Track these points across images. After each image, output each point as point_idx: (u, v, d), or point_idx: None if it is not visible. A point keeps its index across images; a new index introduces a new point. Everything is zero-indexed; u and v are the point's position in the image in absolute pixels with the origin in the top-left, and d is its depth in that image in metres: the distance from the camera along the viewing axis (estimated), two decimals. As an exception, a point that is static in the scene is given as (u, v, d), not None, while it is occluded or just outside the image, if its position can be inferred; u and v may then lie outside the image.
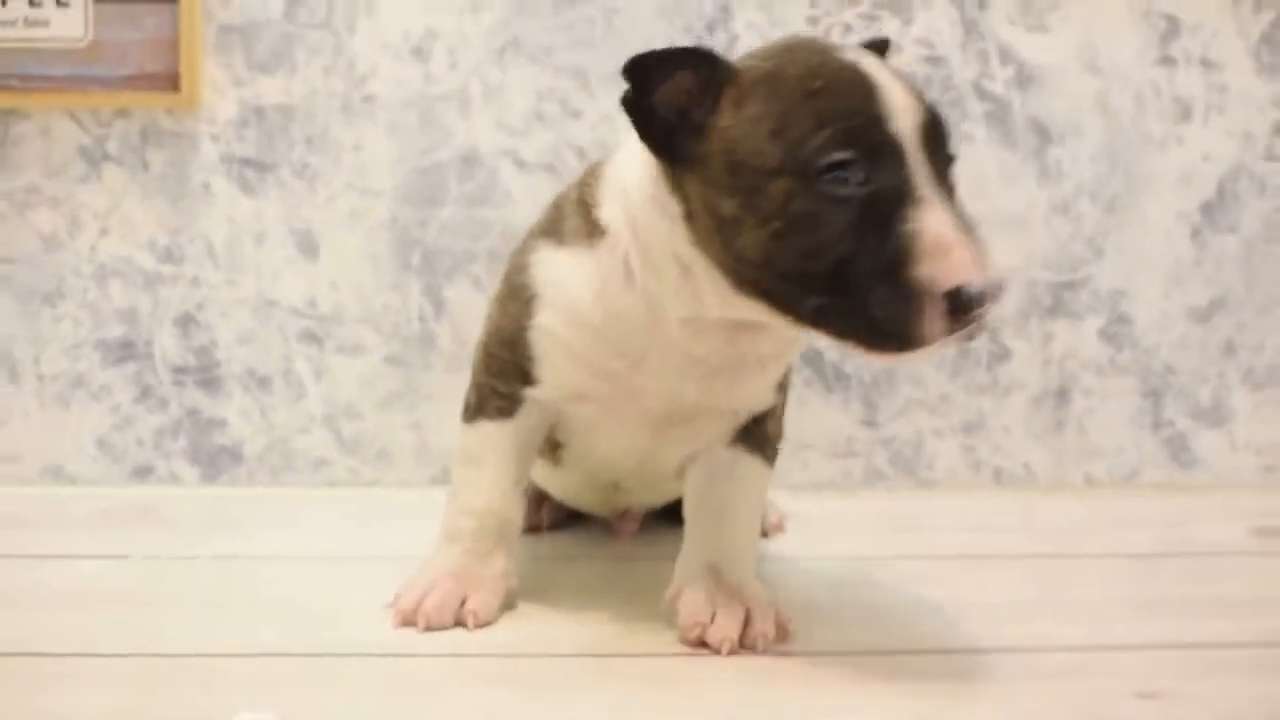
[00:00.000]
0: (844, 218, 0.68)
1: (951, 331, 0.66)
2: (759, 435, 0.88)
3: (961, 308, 0.65)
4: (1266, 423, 1.29)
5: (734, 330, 0.76)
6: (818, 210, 0.69)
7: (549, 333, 0.83)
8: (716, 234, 0.74)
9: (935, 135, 0.71)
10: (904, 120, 0.69)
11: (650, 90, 0.74)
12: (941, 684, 0.73)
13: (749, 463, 0.88)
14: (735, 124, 0.73)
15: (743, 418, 0.87)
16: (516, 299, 0.85)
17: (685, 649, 0.78)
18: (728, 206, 0.72)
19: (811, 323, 0.71)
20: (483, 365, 0.88)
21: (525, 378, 0.85)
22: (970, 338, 0.68)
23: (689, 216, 0.75)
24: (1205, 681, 0.74)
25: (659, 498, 1.04)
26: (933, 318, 0.65)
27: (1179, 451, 1.29)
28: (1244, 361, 1.28)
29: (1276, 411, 1.29)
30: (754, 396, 0.86)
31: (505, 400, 0.87)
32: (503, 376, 0.86)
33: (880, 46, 0.81)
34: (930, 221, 0.66)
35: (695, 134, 0.74)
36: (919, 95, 0.72)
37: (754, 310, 0.74)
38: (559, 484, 1.03)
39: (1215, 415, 1.29)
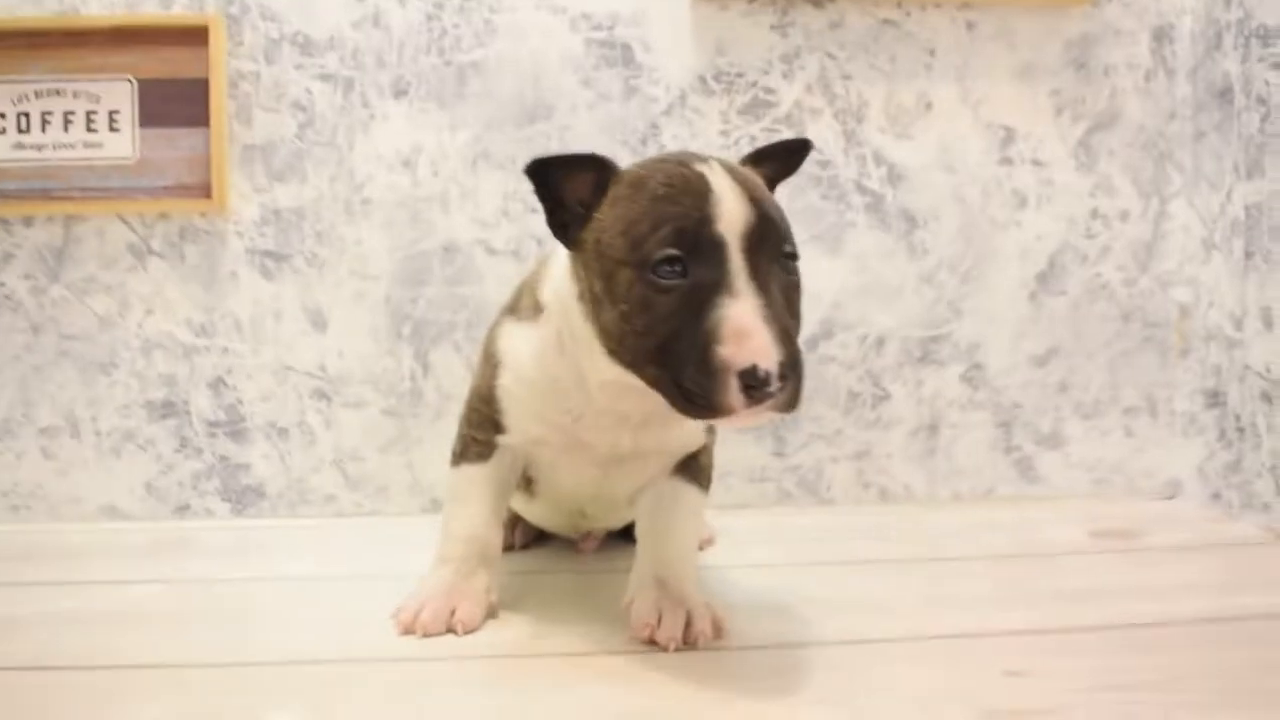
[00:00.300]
0: (670, 304, 0.74)
1: (750, 404, 0.71)
2: (694, 468, 0.95)
3: (754, 385, 0.70)
4: (1094, 445, 1.43)
5: (645, 390, 0.78)
6: (650, 297, 0.75)
7: (508, 391, 0.90)
8: (592, 310, 0.80)
9: (762, 236, 0.75)
10: (729, 223, 0.74)
11: (549, 185, 0.81)
12: (850, 671, 0.79)
13: (687, 490, 0.94)
14: (605, 218, 0.79)
15: (678, 455, 0.94)
16: (488, 363, 0.94)
17: (639, 647, 0.84)
18: (597, 287, 0.79)
19: (653, 387, 0.77)
20: (465, 418, 0.96)
21: (497, 427, 0.92)
22: (785, 409, 0.72)
23: (581, 295, 0.81)
24: (1062, 660, 0.80)
25: (617, 521, 1.10)
26: (731, 391, 0.70)
27: (1026, 470, 1.42)
28: (1074, 397, 1.42)
29: (1102, 436, 1.43)
30: (682, 440, 0.92)
31: (483, 446, 0.94)
32: (480, 427, 0.94)
33: (796, 147, 0.88)
34: (734, 310, 0.72)
35: (585, 224, 0.81)
36: (755, 201, 0.76)
37: (626, 375, 0.79)
38: (534, 512, 1.08)
39: (1054, 440, 1.42)
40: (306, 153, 1.36)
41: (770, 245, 0.76)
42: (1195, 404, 1.42)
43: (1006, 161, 1.42)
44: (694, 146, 1.36)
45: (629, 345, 0.77)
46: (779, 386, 0.71)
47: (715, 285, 0.73)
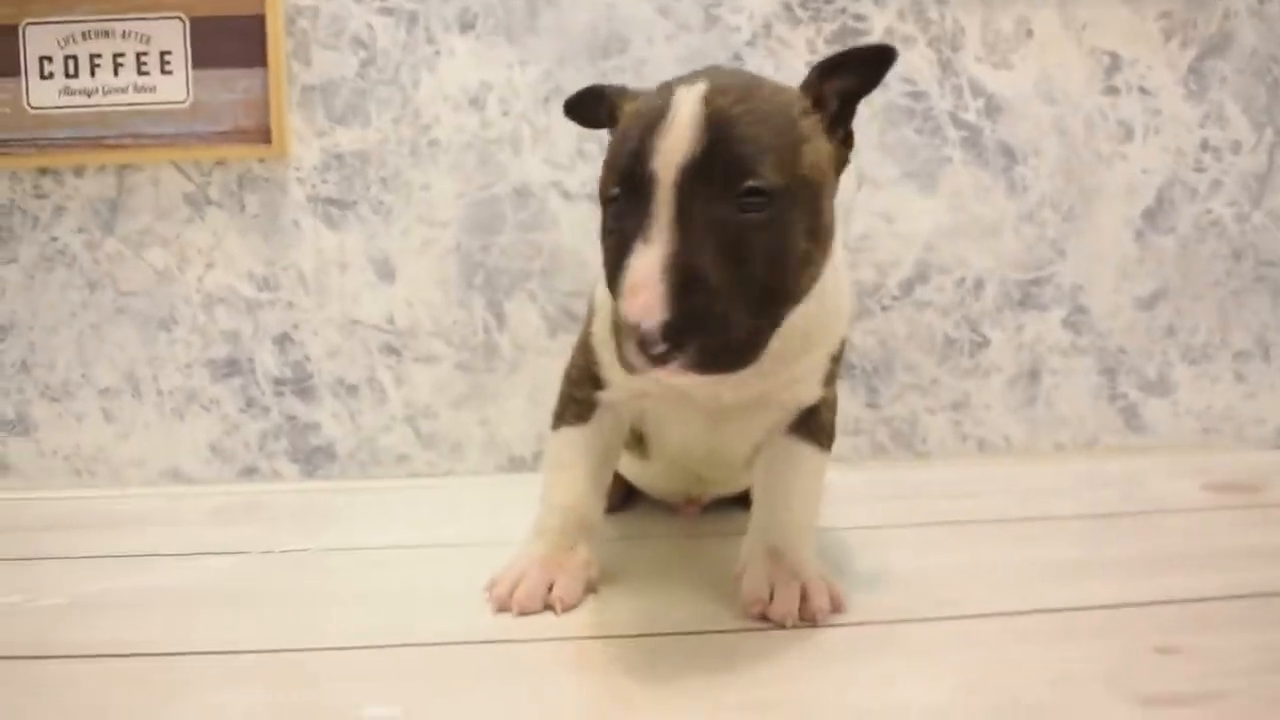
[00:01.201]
0: (610, 247, 0.71)
1: (652, 364, 0.65)
2: (812, 425, 0.88)
3: (643, 345, 0.65)
4: (1203, 392, 1.37)
5: None
6: (604, 239, 0.73)
7: (602, 340, 0.85)
8: None
9: (707, 170, 0.67)
10: (665, 157, 0.68)
11: (585, 121, 0.83)
12: (982, 649, 0.73)
13: (804, 450, 0.87)
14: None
15: (792, 409, 0.87)
16: (588, 311, 0.90)
17: (752, 624, 0.79)
18: None
19: None
20: (566, 374, 0.91)
21: (596, 382, 0.87)
22: (701, 370, 0.66)
23: None
24: (1214, 636, 0.74)
25: (735, 485, 1.04)
26: (629, 348, 0.66)
27: (1131, 419, 1.36)
28: (1182, 341, 1.36)
29: (1211, 383, 1.37)
30: (795, 392, 0.85)
31: (582, 406, 0.89)
32: (579, 384, 0.89)
33: (874, 57, 0.76)
34: (636, 260, 0.66)
35: None
36: (712, 129, 0.68)
37: None
38: (647, 476, 1.03)
39: (1161, 387, 1.36)
40: (369, 92, 1.29)
41: (719, 180, 0.68)
42: (1310, 346, 1.36)
43: (1111, 91, 1.34)
44: (778, 77, 1.29)
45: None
46: (665, 348, 0.65)
47: (637, 229, 0.68)
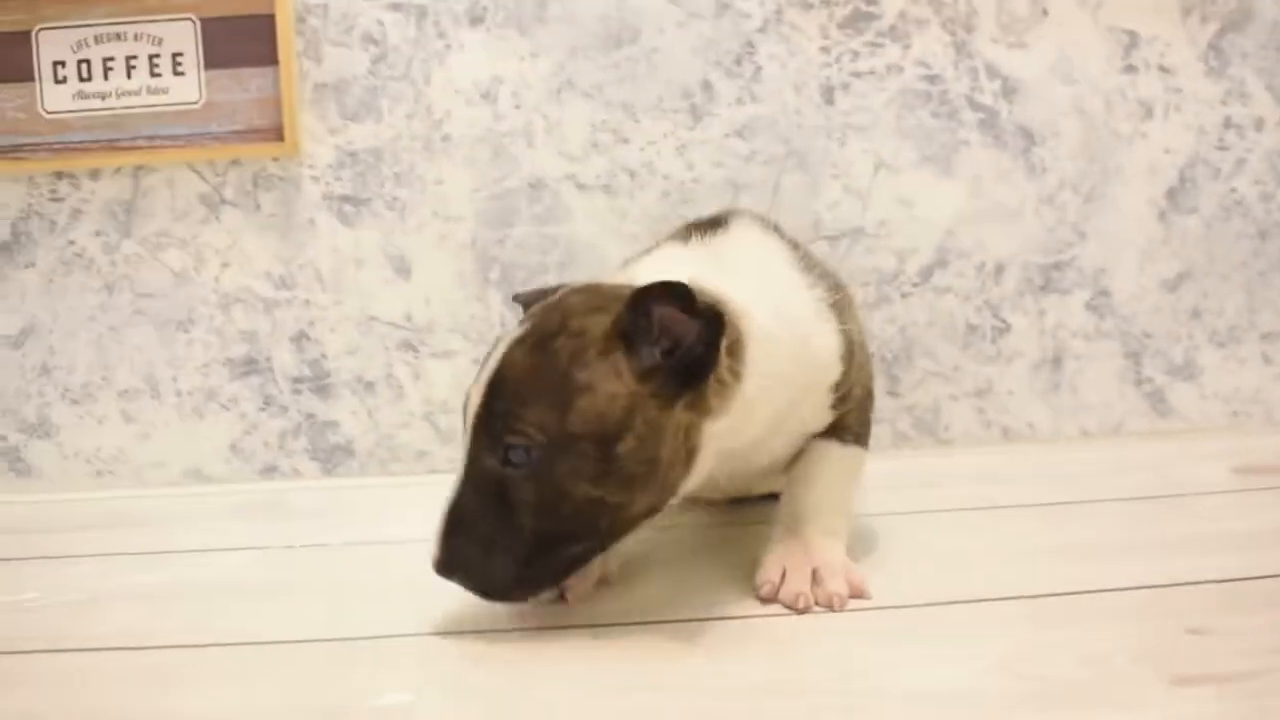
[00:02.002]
0: None
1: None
2: (839, 429, 0.88)
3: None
4: (1230, 375, 1.34)
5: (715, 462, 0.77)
6: None
7: None
8: None
9: (485, 424, 0.72)
10: (469, 409, 0.74)
11: None
12: (1011, 632, 0.72)
13: (831, 445, 0.87)
14: None
15: (804, 438, 0.87)
16: None
17: (775, 610, 0.78)
18: None
19: None
20: None
21: None
22: (476, 592, 0.75)
23: None
24: (1245, 617, 0.73)
25: (764, 488, 1.01)
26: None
27: (1157, 403, 1.34)
28: (1208, 323, 1.34)
29: (1239, 365, 1.34)
30: (791, 445, 0.87)
31: None
32: None
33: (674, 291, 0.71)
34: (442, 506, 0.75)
35: None
36: (492, 385, 0.73)
37: None
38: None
39: (1187, 370, 1.34)
40: (381, 89, 1.29)
41: (491, 434, 0.72)
42: (1340, 326, 1.33)
43: (1130, 69, 1.32)
44: (792, 65, 1.30)
45: None
46: (447, 576, 0.74)
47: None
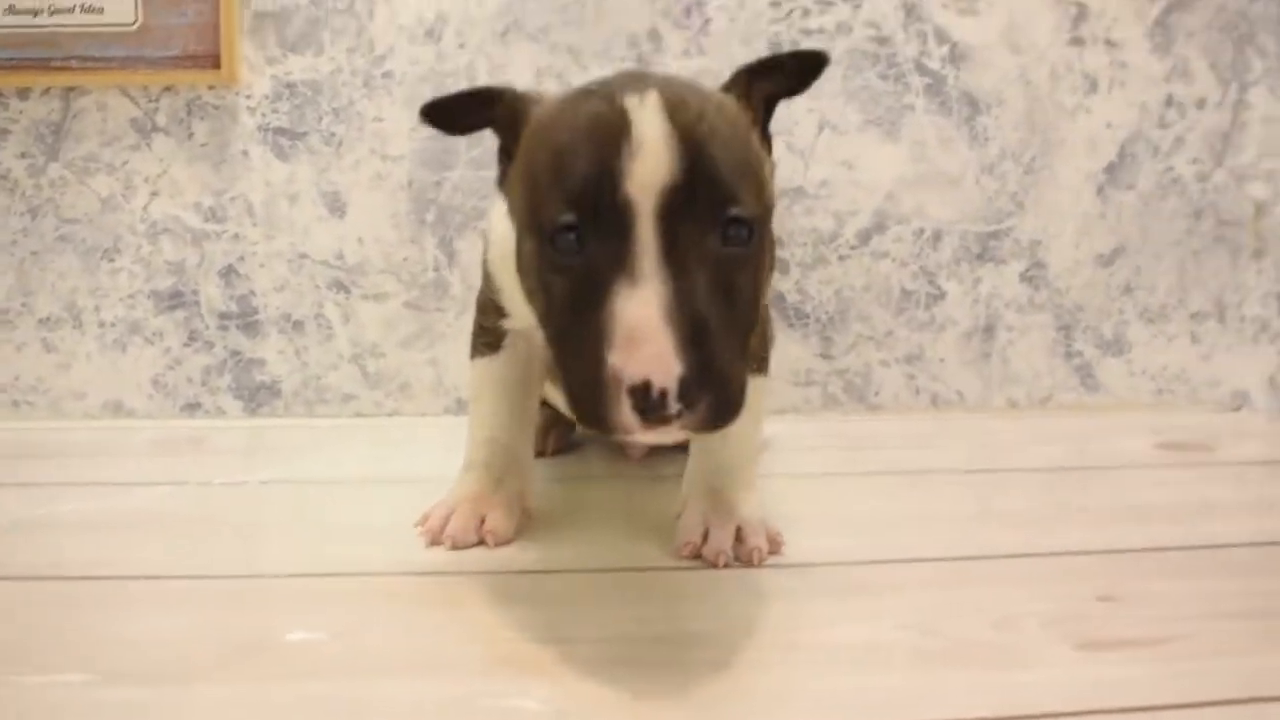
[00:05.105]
0: (564, 287, 0.61)
1: (646, 425, 0.57)
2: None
3: (645, 405, 0.56)
4: (1159, 352, 1.35)
5: None
6: (547, 276, 0.62)
7: (497, 266, 0.80)
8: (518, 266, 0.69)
9: (692, 197, 0.59)
10: (643, 181, 0.59)
11: (454, 128, 0.71)
12: (923, 592, 0.73)
13: None
14: (515, 170, 0.67)
15: None
16: (484, 241, 0.85)
17: (691, 563, 0.77)
18: (521, 247, 0.68)
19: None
20: (477, 304, 0.88)
21: (500, 311, 0.83)
22: (702, 428, 0.59)
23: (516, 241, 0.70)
24: (1156, 584, 0.74)
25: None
26: (622, 409, 0.57)
27: (1086, 377, 1.35)
28: (1140, 300, 1.35)
29: (1168, 342, 1.35)
30: None
31: (491, 335, 0.85)
32: (485, 312, 0.85)
33: (809, 63, 0.71)
34: (630, 304, 0.57)
35: (505, 171, 0.71)
36: (690, 149, 0.60)
37: None
38: None
39: (1117, 346, 1.35)
40: (323, 21, 1.26)
41: (704, 209, 0.60)
42: (1268, 309, 1.35)
43: (1077, 41, 1.32)
44: (741, 19, 1.28)
45: (541, 326, 0.66)
46: (679, 409, 0.56)
47: (616, 265, 0.58)
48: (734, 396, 0.59)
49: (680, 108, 0.61)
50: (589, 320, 0.58)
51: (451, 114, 0.70)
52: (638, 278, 0.57)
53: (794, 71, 0.70)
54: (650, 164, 0.59)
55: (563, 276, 0.61)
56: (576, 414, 0.61)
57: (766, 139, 0.71)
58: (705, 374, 0.56)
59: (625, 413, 0.57)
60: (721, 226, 0.60)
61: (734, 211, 0.60)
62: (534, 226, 0.63)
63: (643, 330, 0.56)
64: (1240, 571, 0.78)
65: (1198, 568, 0.78)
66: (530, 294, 0.66)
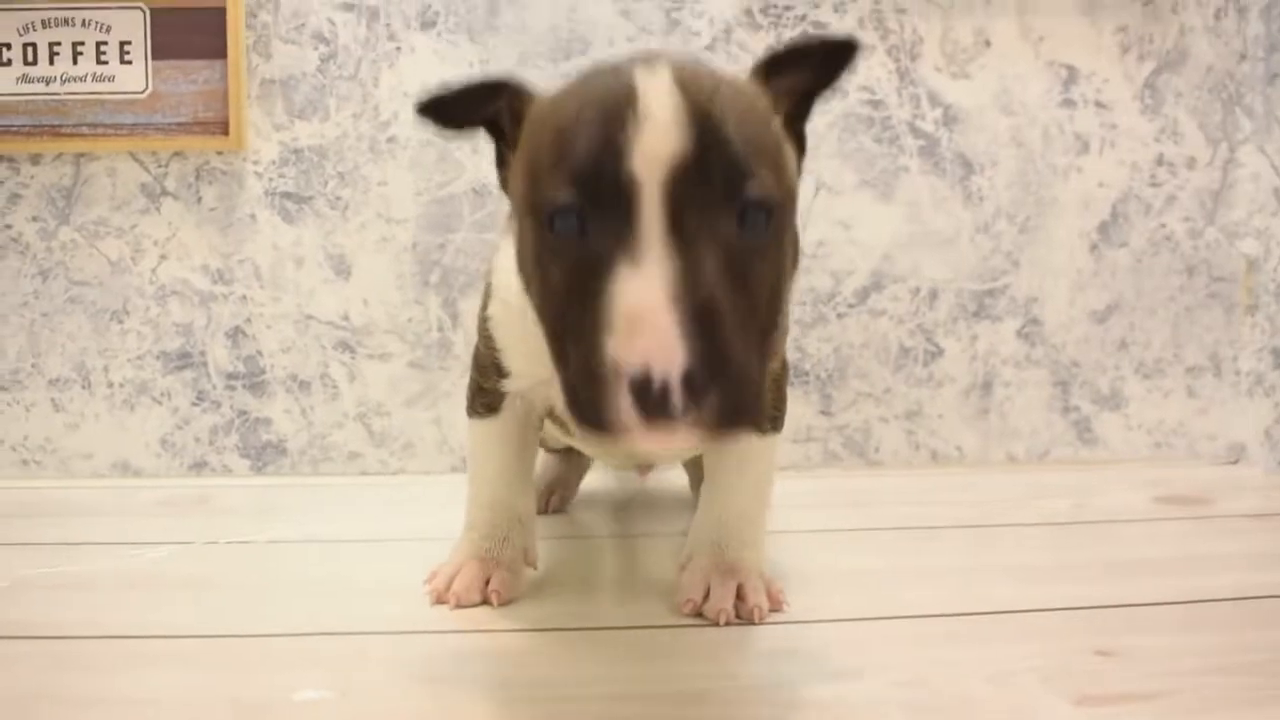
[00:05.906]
0: (562, 270, 0.56)
1: (649, 424, 0.50)
2: None
3: (647, 398, 0.50)
4: (1155, 406, 1.37)
5: None
6: (544, 258, 0.57)
7: (498, 322, 0.77)
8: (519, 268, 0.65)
9: (702, 174, 0.54)
10: (648, 157, 0.53)
11: (455, 122, 0.67)
12: (922, 648, 0.72)
13: (752, 441, 0.78)
14: (516, 159, 0.63)
15: None
16: (483, 294, 0.82)
17: (693, 620, 0.77)
18: (520, 237, 0.63)
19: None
20: (473, 361, 0.85)
21: (499, 370, 0.80)
22: (718, 430, 0.51)
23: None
24: (1154, 638, 0.74)
25: (683, 455, 0.96)
26: (620, 404, 0.51)
27: (1083, 432, 1.37)
28: (1135, 355, 1.36)
29: (1163, 397, 1.37)
30: None
31: (490, 396, 0.82)
32: (484, 372, 0.82)
33: (836, 48, 0.64)
34: (631, 285, 0.51)
35: (506, 165, 0.68)
36: (700, 122, 0.54)
37: None
38: (588, 446, 0.92)
39: (1113, 401, 1.37)
40: (329, 88, 1.29)
41: (718, 189, 0.54)
42: (1262, 363, 1.36)
43: (1068, 104, 1.35)
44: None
45: (539, 319, 0.60)
46: (685, 404, 0.50)
47: (618, 247, 0.53)
48: (749, 397, 0.52)
49: (693, 80, 0.56)
50: (588, 308, 0.53)
51: (452, 108, 0.66)
52: (640, 259, 0.52)
53: (823, 58, 0.64)
54: (658, 137, 0.53)
55: (561, 262, 0.56)
56: (574, 414, 0.55)
57: (798, 136, 0.66)
58: (715, 366, 0.50)
59: (625, 409, 0.51)
60: (738, 209, 0.55)
61: (751, 192, 0.54)
62: (532, 209, 0.58)
63: (643, 313, 0.50)
64: (1239, 626, 0.78)
65: (1196, 622, 0.78)
66: (528, 284, 0.61)
